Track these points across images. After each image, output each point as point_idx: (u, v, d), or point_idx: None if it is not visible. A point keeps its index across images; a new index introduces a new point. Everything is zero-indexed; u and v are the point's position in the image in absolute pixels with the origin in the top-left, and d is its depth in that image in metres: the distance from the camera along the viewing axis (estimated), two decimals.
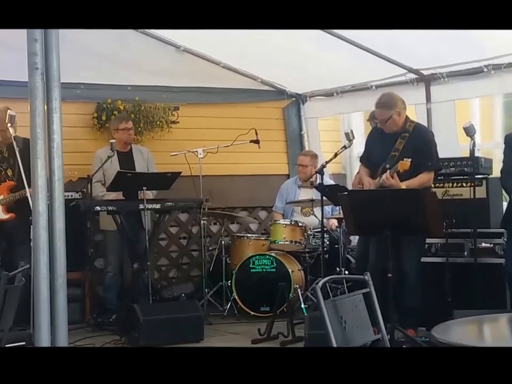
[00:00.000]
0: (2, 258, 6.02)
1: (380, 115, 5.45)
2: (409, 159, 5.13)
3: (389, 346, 3.01)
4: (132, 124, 6.84)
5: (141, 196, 6.23)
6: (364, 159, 5.75)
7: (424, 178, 5.35)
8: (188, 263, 7.82)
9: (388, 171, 5.25)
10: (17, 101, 5.79)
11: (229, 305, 6.77)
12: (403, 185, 5.23)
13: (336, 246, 6.75)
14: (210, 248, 7.34)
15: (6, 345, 3.44)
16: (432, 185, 5.86)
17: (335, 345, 2.58)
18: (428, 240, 5.74)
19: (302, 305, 6.39)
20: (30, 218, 3.02)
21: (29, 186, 4.04)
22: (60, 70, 2.92)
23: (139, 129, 7.26)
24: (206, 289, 6.81)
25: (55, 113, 2.91)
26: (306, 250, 6.85)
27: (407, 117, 5.49)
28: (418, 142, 5.36)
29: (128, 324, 5.69)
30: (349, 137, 5.64)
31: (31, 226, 3.00)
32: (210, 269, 7.17)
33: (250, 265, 6.78)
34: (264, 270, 6.75)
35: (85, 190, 6.48)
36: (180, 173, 6.35)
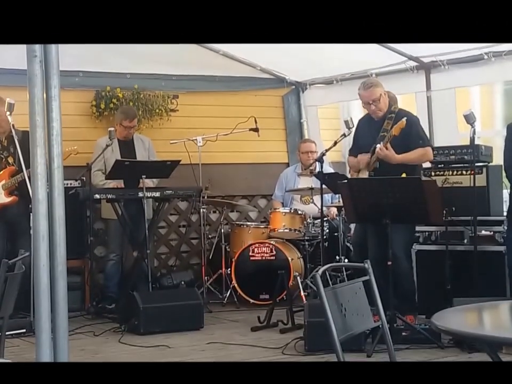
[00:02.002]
0: (6, 245, 6.02)
1: (371, 95, 5.42)
2: (405, 118, 5.14)
3: (389, 333, 3.01)
4: (136, 122, 6.74)
5: (141, 184, 6.23)
6: (352, 151, 5.76)
7: (420, 151, 5.37)
8: (187, 251, 7.83)
9: (382, 142, 5.24)
10: (16, 89, 5.76)
11: (228, 293, 6.78)
12: (399, 157, 5.24)
13: (336, 234, 6.76)
14: (209, 236, 7.34)
15: (7, 333, 3.44)
16: (432, 173, 5.87)
17: (335, 333, 2.59)
18: (428, 228, 5.74)
19: (302, 293, 6.41)
20: (30, 206, 3.02)
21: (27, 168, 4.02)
22: (58, 58, 2.90)
23: (138, 117, 7.24)
24: (206, 277, 6.82)
25: (54, 101, 2.90)
26: (306, 238, 6.85)
27: (390, 101, 5.51)
28: (405, 126, 5.31)
29: (128, 312, 5.70)
30: (349, 125, 5.63)
31: (31, 214, 3.00)
32: (210, 257, 7.18)
33: (250, 253, 6.78)
34: (264, 258, 6.76)
35: (84, 178, 6.47)
36: (179, 161, 6.34)
